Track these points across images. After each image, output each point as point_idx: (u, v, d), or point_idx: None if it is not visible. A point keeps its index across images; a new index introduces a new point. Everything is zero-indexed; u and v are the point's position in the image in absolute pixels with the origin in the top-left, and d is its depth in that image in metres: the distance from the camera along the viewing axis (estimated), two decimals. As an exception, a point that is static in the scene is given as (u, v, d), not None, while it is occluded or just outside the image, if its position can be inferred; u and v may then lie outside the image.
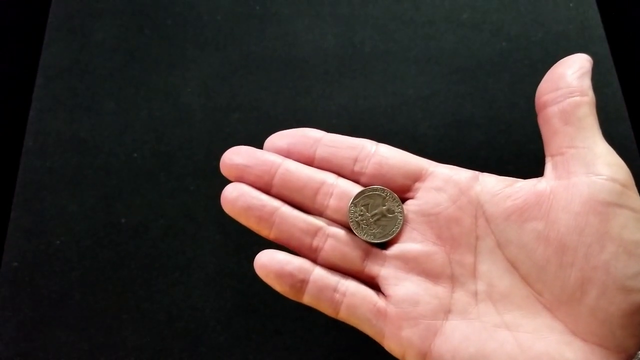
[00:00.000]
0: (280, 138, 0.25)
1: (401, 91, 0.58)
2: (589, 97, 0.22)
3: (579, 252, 0.18)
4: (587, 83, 0.22)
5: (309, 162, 0.24)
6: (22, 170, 0.54)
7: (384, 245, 0.24)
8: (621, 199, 0.18)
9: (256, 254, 0.55)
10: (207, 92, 0.58)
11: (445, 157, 0.55)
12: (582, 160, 0.20)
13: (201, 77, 0.58)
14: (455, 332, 0.21)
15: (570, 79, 0.22)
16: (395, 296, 0.22)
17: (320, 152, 0.24)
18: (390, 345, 0.23)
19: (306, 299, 0.23)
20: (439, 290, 0.22)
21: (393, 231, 0.23)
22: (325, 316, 0.49)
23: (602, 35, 0.61)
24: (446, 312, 0.21)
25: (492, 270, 0.21)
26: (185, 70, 0.58)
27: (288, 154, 0.25)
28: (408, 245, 0.23)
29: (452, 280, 0.22)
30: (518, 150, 0.55)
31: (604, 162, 0.19)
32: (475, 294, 0.21)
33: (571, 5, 0.62)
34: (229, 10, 0.61)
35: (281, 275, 0.23)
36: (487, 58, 0.60)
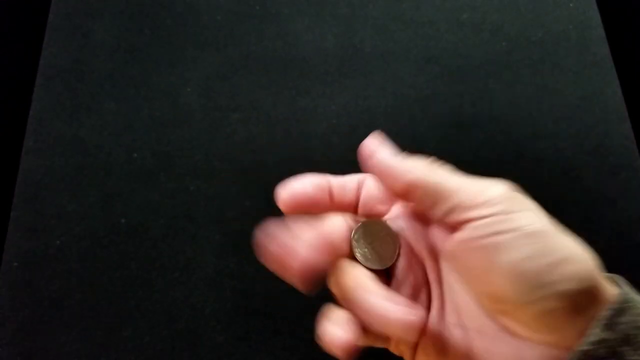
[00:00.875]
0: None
1: (401, 91, 0.58)
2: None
3: (480, 286, 0.21)
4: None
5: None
6: (22, 170, 0.54)
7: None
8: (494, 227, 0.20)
9: (256, 254, 0.55)
10: (207, 92, 0.58)
11: (445, 157, 0.55)
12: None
13: (201, 77, 0.58)
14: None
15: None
16: None
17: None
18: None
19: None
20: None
21: (392, 257, 0.23)
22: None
23: (602, 35, 0.61)
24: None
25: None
26: (185, 70, 0.59)
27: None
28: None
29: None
30: (518, 150, 0.55)
31: (462, 209, 0.21)
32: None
33: (571, 5, 0.62)
34: (229, 11, 0.62)
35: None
36: (487, 58, 0.60)
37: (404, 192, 0.22)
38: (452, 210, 0.21)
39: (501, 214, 0.19)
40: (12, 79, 0.58)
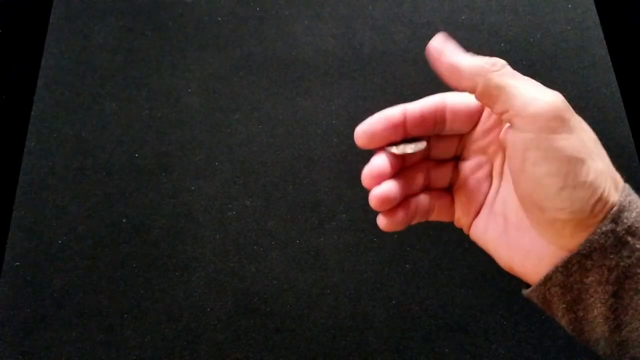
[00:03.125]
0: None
1: (400, 91, 0.58)
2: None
3: (516, 183, 0.25)
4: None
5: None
6: (24, 170, 0.54)
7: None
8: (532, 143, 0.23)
9: (256, 254, 0.55)
10: (208, 92, 0.58)
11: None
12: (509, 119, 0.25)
13: (202, 77, 0.59)
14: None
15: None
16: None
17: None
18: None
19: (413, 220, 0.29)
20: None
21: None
22: (324, 315, 0.50)
23: (600, 36, 0.61)
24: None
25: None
26: (186, 71, 0.59)
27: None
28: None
29: None
30: (517, 151, 0.56)
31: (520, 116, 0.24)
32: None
33: (569, 6, 0.63)
34: (230, 12, 0.62)
35: (405, 216, 0.28)
36: (486, 59, 0.60)
37: (469, 90, 0.25)
38: (506, 111, 0.24)
39: (541, 132, 0.23)
40: (14, 79, 0.58)
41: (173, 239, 0.52)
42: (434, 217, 0.30)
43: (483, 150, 0.28)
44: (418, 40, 0.61)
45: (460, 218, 0.29)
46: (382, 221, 0.27)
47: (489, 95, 0.24)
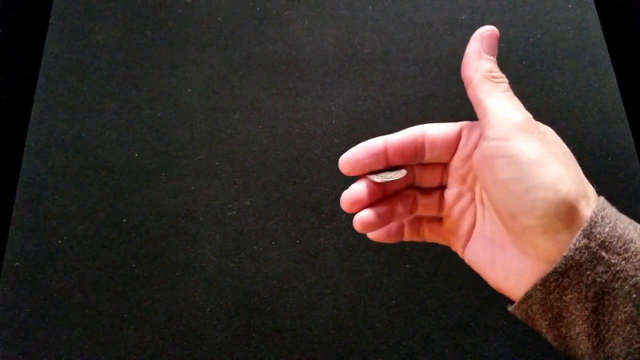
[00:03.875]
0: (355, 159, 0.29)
1: (400, 92, 0.58)
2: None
3: (489, 195, 0.25)
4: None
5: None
6: (24, 170, 0.54)
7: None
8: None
9: (256, 254, 0.55)
10: (208, 92, 0.58)
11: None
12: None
13: (202, 77, 0.59)
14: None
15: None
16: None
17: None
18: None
19: (404, 239, 0.31)
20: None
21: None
22: (324, 315, 0.50)
23: (600, 36, 0.61)
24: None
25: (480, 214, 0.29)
26: (186, 71, 0.59)
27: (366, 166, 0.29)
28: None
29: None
30: (517, 151, 0.56)
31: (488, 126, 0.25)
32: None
33: (569, 6, 0.63)
34: (230, 12, 0.62)
35: (389, 236, 0.30)
36: (486, 59, 0.60)
37: (466, 80, 0.27)
38: (482, 118, 0.25)
39: (507, 140, 0.24)
40: (14, 79, 0.58)
41: (173, 239, 0.52)
42: (427, 239, 0.31)
43: (463, 179, 0.29)
44: (418, 40, 0.61)
45: (454, 242, 0.30)
46: (364, 233, 0.29)
47: (475, 95, 0.26)
